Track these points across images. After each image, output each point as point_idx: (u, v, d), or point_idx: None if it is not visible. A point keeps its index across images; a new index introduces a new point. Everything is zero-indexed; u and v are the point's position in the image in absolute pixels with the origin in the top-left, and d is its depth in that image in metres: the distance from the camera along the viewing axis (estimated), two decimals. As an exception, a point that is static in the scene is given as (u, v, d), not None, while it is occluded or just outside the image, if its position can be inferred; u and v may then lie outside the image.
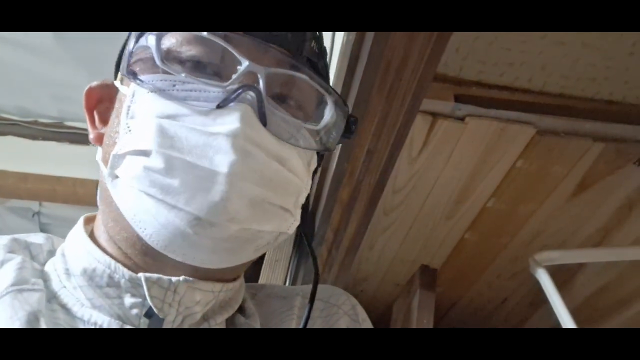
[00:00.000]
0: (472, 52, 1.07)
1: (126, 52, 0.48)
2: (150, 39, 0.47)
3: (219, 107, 0.45)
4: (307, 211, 0.61)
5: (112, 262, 0.48)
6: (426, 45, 0.68)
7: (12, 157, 1.60)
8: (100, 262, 0.48)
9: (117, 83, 0.51)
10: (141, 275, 0.46)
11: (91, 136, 0.54)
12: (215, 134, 0.44)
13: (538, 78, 1.13)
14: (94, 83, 0.55)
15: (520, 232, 1.42)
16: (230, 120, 0.44)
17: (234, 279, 0.54)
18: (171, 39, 0.48)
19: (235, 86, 0.46)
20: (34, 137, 1.64)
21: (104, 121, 0.53)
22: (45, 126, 1.65)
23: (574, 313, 1.15)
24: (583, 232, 1.40)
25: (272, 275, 0.91)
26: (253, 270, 0.96)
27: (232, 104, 0.45)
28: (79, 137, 1.63)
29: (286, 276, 0.95)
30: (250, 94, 0.46)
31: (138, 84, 0.47)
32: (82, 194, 1.57)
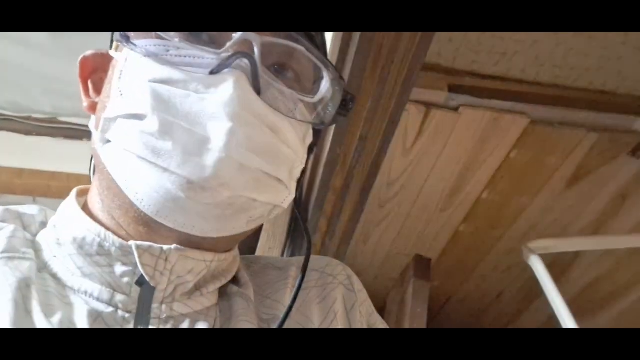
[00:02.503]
0: (465, 42, 1.08)
1: None
2: None
3: (212, 73, 0.45)
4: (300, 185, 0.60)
5: (102, 230, 0.47)
6: (413, 36, 0.68)
7: (6, 153, 1.60)
8: (90, 230, 0.48)
9: (112, 52, 0.51)
10: (132, 243, 0.46)
11: (85, 104, 0.54)
12: (209, 100, 0.43)
13: (531, 68, 1.13)
14: (88, 52, 0.55)
15: (515, 224, 1.42)
16: (224, 87, 0.44)
17: (227, 251, 0.54)
18: None
19: (229, 53, 0.45)
20: (28, 133, 1.64)
21: (98, 90, 0.53)
22: (39, 122, 1.65)
23: (570, 304, 1.15)
24: (578, 223, 1.40)
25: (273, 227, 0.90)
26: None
27: (225, 70, 0.45)
28: (73, 133, 1.63)
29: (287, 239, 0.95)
30: (245, 62, 0.45)
31: (131, 49, 0.47)
32: (76, 189, 1.57)
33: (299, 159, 0.52)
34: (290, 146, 0.49)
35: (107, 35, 0.52)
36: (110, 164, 0.46)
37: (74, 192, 0.54)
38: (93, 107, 0.52)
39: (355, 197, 0.92)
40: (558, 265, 1.46)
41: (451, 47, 1.09)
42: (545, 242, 1.22)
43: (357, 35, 0.67)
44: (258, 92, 0.46)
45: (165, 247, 0.47)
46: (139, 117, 0.44)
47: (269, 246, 0.95)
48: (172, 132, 0.43)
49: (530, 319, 1.78)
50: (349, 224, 0.98)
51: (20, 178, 1.59)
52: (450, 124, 1.15)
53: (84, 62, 0.54)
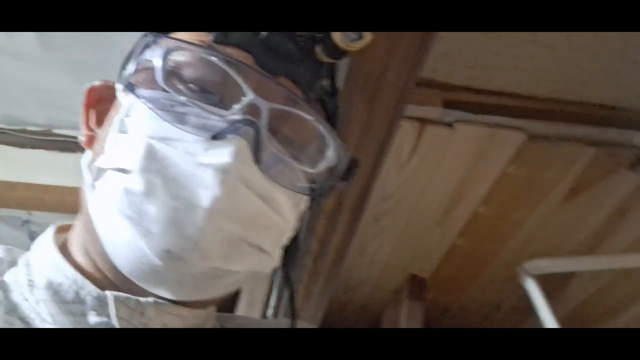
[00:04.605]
0: (460, 57, 1.06)
1: (131, 61, 0.47)
2: (156, 52, 0.45)
3: (214, 138, 0.43)
4: (293, 250, 0.58)
5: (80, 277, 0.46)
6: (407, 56, 0.66)
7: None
8: (67, 277, 0.46)
9: (118, 87, 0.49)
10: (109, 293, 0.44)
11: (82, 138, 0.52)
12: (204, 165, 0.42)
13: (528, 82, 1.12)
14: (97, 82, 0.53)
15: (512, 238, 1.40)
16: (223, 154, 0.42)
17: (205, 307, 0.52)
18: (179, 57, 0.46)
19: (235, 117, 0.44)
20: (22, 145, 1.64)
21: (100, 122, 0.51)
22: (33, 134, 1.64)
23: (569, 319, 1.14)
24: (576, 237, 1.39)
25: (254, 287, 0.89)
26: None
27: (229, 136, 0.43)
28: (67, 145, 1.62)
29: (270, 289, 0.94)
30: (250, 129, 0.43)
31: (135, 98, 0.45)
32: (71, 202, 1.55)
33: (289, 228, 0.50)
34: (282, 215, 0.47)
35: (99, 46, 0.50)
36: (95, 212, 0.45)
37: (51, 229, 0.52)
38: (91, 141, 0.50)
39: (346, 221, 0.90)
40: (557, 280, 1.44)
41: (446, 62, 1.07)
42: (541, 262, 1.21)
43: (345, 63, 0.66)
44: (257, 160, 0.44)
45: (142, 299, 0.45)
46: (128, 172, 0.43)
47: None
48: (158, 195, 0.41)
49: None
50: (341, 246, 0.96)
51: (14, 191, 1.58)
52: (445, 139, 1.13)
53: (91, 91, 0.53)
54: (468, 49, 1.04)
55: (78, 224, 0.49)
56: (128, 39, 0.54)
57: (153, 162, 0.42)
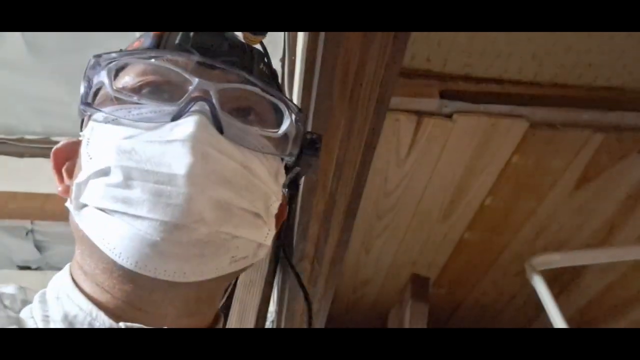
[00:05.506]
0: (455, 45, 1.01)
1: (82, 93, 0.50)
2: (102, 74, 0.49)
3: (173, 119, 0.46)
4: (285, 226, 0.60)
5: (94, 308, 0.46)
6: (385, 46, 0.62)
7: (-1, 176, 1.57)
8: (82, 309, 0.47)
9: (81, 133, 0.52)
10: (122, 324, 0.45)
11: (59, 189, 0.54)
12: (171, 141, 0.45)
13: (529, 68, 1.07)
14: (59, 144, 0.56)
15: (522, 229, 1.35)
16: (185, 127, 0.45)
17: (213, 322, 0.53)
18: (124, 77, 0.50)
19: (188, 100, 0.47)
20: (20, 155, 1.62)
21: (71, 176, 0.53)
22: (31, 143, 1.62)
23: (583, 312, 1.09)
24: (589, 226, 1.33)
25: (247, 297, 0.86)
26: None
27: (186, 114, 0.46)
28: (66, 153, 1.60)
29: (266, 297, 0.90)
30: (204, 106, 0.47)
31: (96, 117, 0.49)
32: (71, 211, 1.54)
33: (273, 194, 0.52)
34: (262, 181, 0.50)
35: (89, 52, 0.52)
36: (86, 227, 0.46)
37: (67, 266, 0.53)
38: (67, 191, 0.52)
39: (340, 221, 0.86)
40: (568, 272, 1.39)
41: (440, 51, 1.02)
42: (549, 257, 1.16)
43: (318, 62, 0.62)
44: (220, 131, 0.47)
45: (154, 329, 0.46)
46: (104, 172, 0.45)
47: (250, 279, 0.90)
48: (137, 179, 0.44)
49: (546, 322, 1.71)
50: (338, 247, 0.93)
51: (14, 201, 1.57)
52: (444, 131, 1.09)
53: (57, 153, 0.55)
54: (462, 36, 1.00)
55: (77, 255, 0.51)
56: (117, 44, 0.60)
57: (123, 153, 0.45)
